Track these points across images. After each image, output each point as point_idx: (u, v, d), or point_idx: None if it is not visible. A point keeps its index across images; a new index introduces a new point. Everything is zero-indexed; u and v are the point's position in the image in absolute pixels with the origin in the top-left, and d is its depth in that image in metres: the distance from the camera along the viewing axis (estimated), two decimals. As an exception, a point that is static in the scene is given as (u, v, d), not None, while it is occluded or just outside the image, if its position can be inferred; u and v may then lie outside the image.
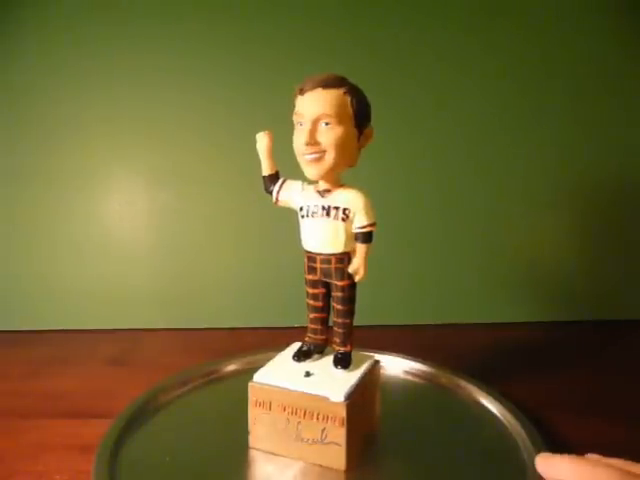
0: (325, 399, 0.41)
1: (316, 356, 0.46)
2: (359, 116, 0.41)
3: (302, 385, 0.43)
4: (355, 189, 0.42)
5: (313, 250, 0.44)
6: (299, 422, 0.42)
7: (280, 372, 0.45)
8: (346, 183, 0.43)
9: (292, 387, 0.43)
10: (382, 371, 0.51)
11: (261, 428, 0.44)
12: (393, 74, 0.68)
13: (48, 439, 0.47)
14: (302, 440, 0.43)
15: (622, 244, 0.74)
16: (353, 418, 0.41)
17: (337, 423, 0.41)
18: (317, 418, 0.42)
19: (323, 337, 0.46)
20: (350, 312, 0.44)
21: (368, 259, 0.42)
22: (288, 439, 0.43)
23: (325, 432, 0.41)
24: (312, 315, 0.46)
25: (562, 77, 0.70)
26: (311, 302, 0.45)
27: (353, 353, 0.46)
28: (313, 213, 0.43)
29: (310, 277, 0.44)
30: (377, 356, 0.55)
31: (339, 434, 0.41)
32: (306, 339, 0.47)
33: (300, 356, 0.46)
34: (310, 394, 0.42)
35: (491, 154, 0.71)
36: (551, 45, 0.69)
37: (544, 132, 0.71)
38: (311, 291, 0.45)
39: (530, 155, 0.71)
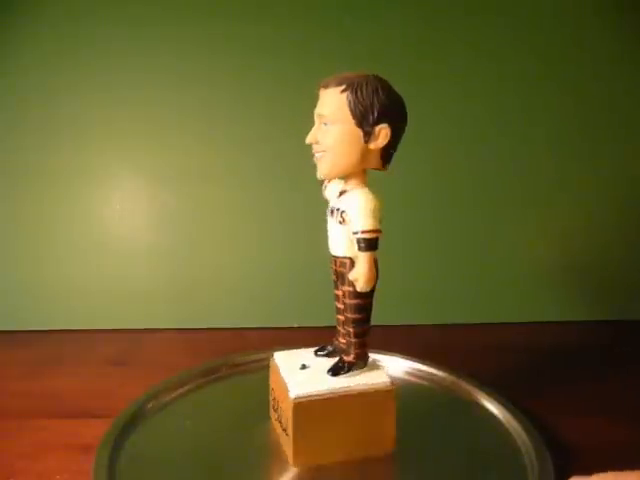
0: (288, 392, 0.42)
1: (336, 356, 0.45)
2: (358, 115, 0.39)
3: (287, 372, 0.44)
4: (361, 192, 0.41)
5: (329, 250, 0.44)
6: (279, 406, 0.44)
7: (291, 358, 0.46)
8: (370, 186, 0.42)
9: (281, 372, 0.44)
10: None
11: (269, 399, 0.47)
12: (392, 76, 0.68)
13: (48, 439, 0.47)
14: (279, 423, 0.44)
15: (627, 244, 0.74)
16: (308, 419, 0.41)
17: (290, 417, 0.41)
18: (283, 408, 0.43)
19: (344, 340, 0.45)
20: (354, 321, 0.42)
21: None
22: (274, 417, 0.46)
23: (286, 422, 0.43)
24: (335, 316, 0.45)
25: (560, 77, 0.70)
26: (335, 303, 0.45)
27: (373, 369, 0.44)
28: (327, 213, 0.43)
29: (333, 277, 0.44)
30: (377, 356, 0.55)
31: (290, 428, 0.42)
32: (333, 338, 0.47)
33: (320, 352, 0.46)
34: (285, 382, 0.43)
35: (491, 153, 0.71)
36: (548, 46, 0.69)
37: (544, 132, 0.71)
38: (334, 291, 0.45)
39: (530, 155, 0.71)
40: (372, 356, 0.47)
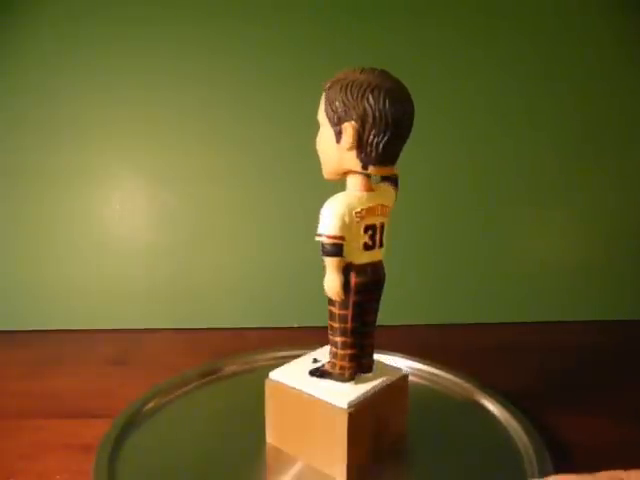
0: None
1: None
2: (329, 114, 0.39)
3: (298, 361, 0.46)
4: (339, 195, 0.40)
5: None
6: None
7: (321, 352, 0.47)
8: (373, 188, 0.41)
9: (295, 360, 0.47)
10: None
11: None
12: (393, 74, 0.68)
13: (48, 439, 0.47)
14: None
15: (630, 244, 0.74)
16: (277, 402, 0.44)
17: None
18: None
19: None
20: (329, 328, 0.42)
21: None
22: None
23: None
24: None
25: (564, 78, 0.70)
26: None
27: (358, 387, 0.42)
28: None
29: None
30: (377, 356, 0.55)
31: None
32: None
33: None
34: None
35: (492, 153, 0.71)
36: (551, 46, 0.69)
37: (547, 132, 0.71)
38: None
39: (532, 155, 0.71)
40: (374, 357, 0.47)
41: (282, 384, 0.43)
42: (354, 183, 0.40)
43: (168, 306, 0.72)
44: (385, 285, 0.43)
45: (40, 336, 0.69)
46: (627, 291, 0.75)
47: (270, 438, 0.45)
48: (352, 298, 0.40)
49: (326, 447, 0.41)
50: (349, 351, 0.41)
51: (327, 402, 0.40)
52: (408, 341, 0.66)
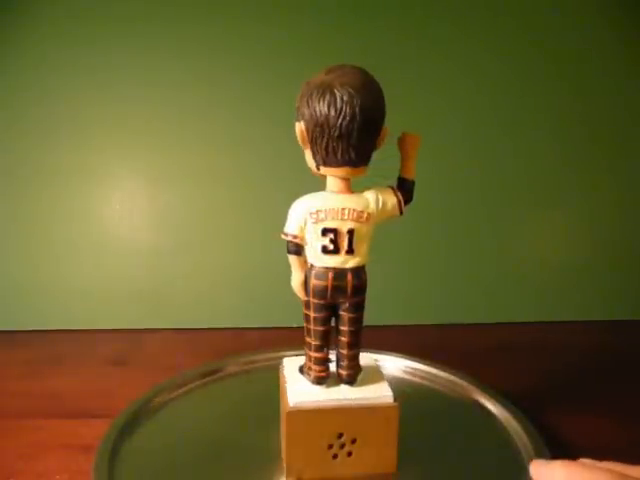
0: None
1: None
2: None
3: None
4: (307, 195, 0.40)
5: None
6: None
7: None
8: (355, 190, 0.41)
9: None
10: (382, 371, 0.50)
11: None
12: (396, 76, 0.68)
13: (48, 439, 0.47)
14: None
15: (632, 245, 0.74)
16: (281, 387, 0.44)
17: None
18: None
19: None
20: (303, 329, 0.42)
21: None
22: None
23: None
24: None
25: (564, 77, 0.70)
26: None
27: (330, 390, 0.42)
28: None
29: None
30: (377, 356, 0.55)
31: None
32: None
33: None
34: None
35: (493, 153, 0.71)
36: (552, 45, 0.69)
37: (549, 131, 0.71)
38: None
39: (534, 155, 0.71)
40: (373, 356, 0.47)
41: (282, 371, 0.44)
42: (327, 183, 0.40)
43: (168, 306, 0.72)
44: (367, 292, 0.41)
45: (40, 336, 0.69)
46: (628, 291, 0.75)
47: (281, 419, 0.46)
48: (311, 299, 0.40)
49: (284, 445, 0.42)
50: (314, 354, 0.41)
51: (289, 402, 0.41)
52: (407, 341, 0.66)
